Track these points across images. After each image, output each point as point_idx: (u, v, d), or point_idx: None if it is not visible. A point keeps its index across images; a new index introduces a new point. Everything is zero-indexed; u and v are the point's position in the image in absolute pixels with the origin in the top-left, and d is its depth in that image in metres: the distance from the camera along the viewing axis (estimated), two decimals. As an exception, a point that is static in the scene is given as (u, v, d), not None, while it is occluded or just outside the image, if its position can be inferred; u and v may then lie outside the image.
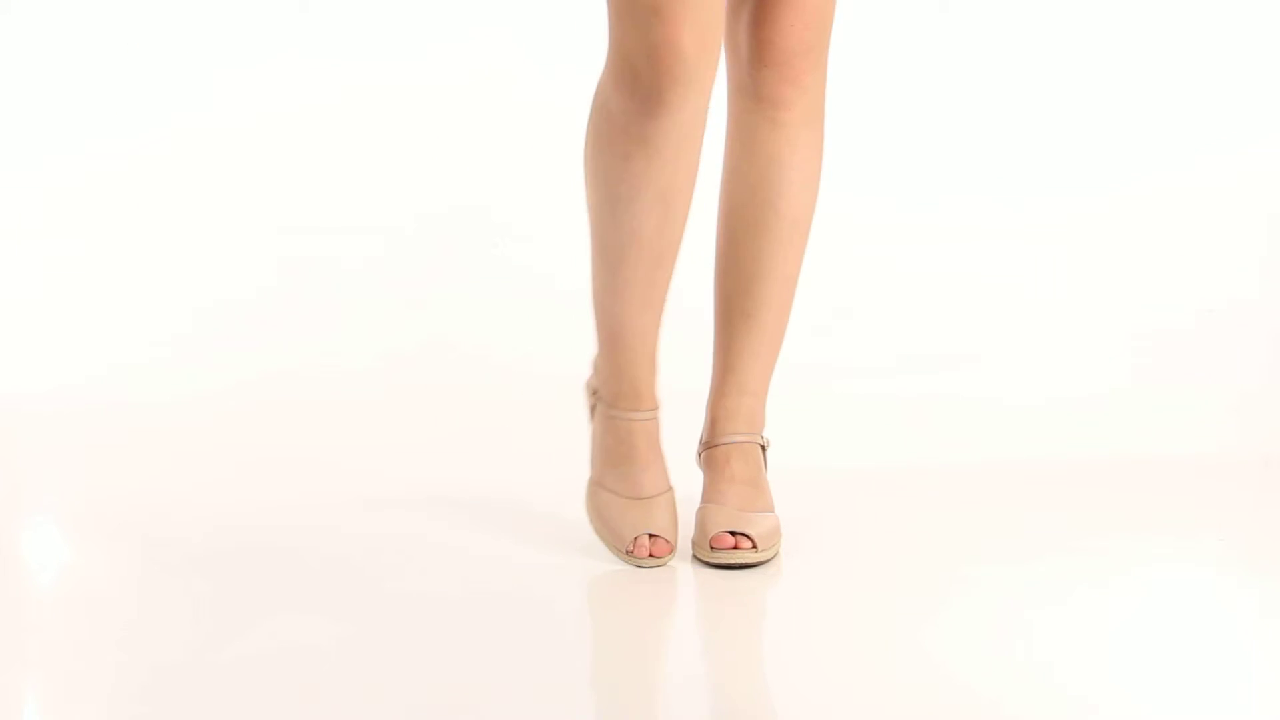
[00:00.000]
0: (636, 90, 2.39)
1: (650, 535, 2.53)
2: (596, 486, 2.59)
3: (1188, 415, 3.27)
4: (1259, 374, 3.46)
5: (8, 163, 3.87)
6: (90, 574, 2.53)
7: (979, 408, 3.30)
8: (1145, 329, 3.60)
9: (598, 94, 2.47)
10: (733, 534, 2.53)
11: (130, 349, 3.57)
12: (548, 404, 3.06)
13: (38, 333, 3.63)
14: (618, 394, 2.59)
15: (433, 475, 2.94)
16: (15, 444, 3.20)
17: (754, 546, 2.52)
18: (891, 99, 3.96)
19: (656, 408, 2.61)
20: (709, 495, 2.59)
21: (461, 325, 3.62)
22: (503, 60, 3.95)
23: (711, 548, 2.52)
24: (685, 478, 2.64)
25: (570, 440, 2.79)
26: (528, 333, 3.54)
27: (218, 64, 3.94)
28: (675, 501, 2.58)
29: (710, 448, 2.63)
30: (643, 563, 2.51)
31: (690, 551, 2.55)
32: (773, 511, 2.58)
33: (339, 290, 3.74)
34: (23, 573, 2.55)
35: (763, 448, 2.64)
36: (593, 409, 2.65)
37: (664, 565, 2.51)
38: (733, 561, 2.51)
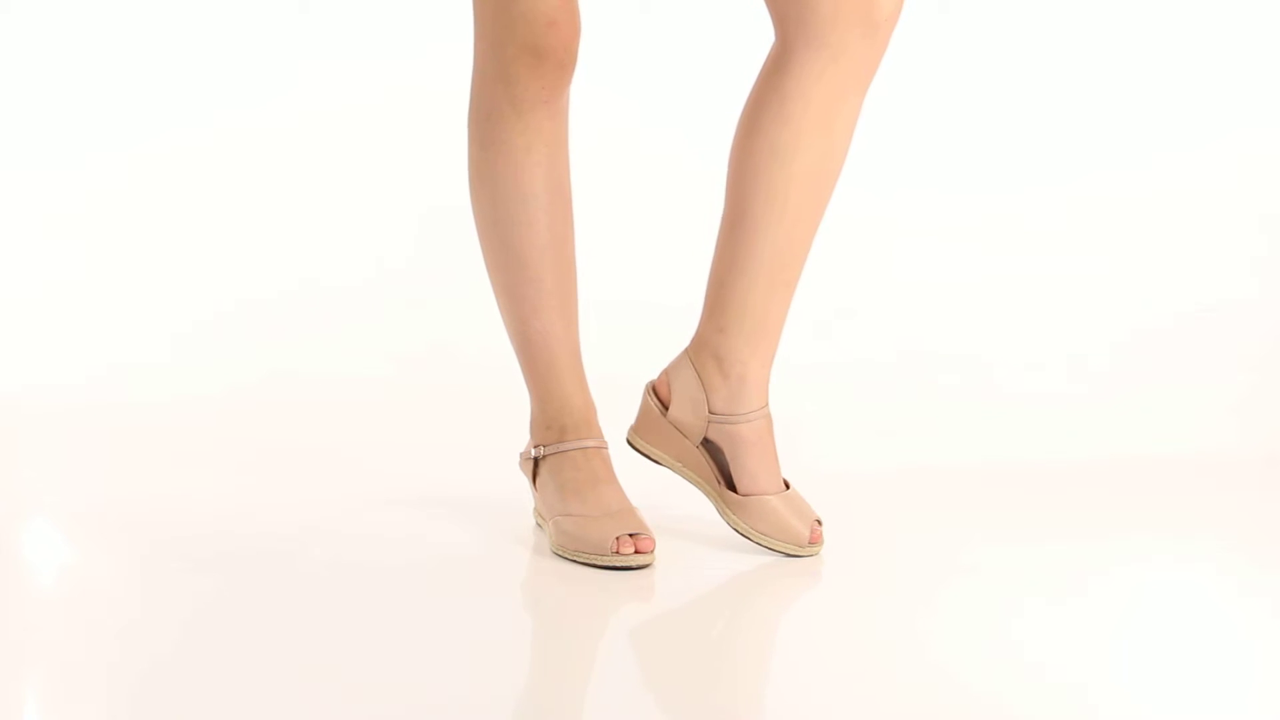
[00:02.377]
0: (541, 71, 2.49)
1: (630, 535, 2.49)
2: (559, 519, 2.54)
3: (1188, 415, 3.27)
4: (1259, 374, 3.46)
5: (9, 163, 3.87)
6: (90, 574, 2.53)
7: (979, 408, 3.31)
8: (1145, 328, 3.60)
9: (480, 103, 2.54)
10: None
11: (131, 349, 3.57)
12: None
13: (38, 333, 3.63)
14: (565, 427, 2.58)
15: (434, 476, 2.94)
16: (15, 444, 3.20)
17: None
18: (891, 99, 3.96)
19: (604, 438, 2.60)
20: (767, 478, 2.57)
21: (463, 326, 3.62)
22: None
23: (811, 542, 2.56)
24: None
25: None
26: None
27: (219, 65, 3.94)
28: None
29: (749, 421, 2.59)
30: (630, 560, 2.47)
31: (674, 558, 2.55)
32: None
33: (340, 291, 3.74)
34: (23, 572, 2.55)
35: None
36: (535, 476, 2.61)
37: (650, 564, 2.49)
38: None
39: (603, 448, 2.59)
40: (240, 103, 3.92)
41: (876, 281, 3.75)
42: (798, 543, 2.55)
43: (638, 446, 2.64)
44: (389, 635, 2.23)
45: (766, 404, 2.57)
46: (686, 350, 2.61)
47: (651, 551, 2.49)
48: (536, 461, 2.59)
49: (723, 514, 2.58)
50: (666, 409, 2.61)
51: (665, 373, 2.62)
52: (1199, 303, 3.66)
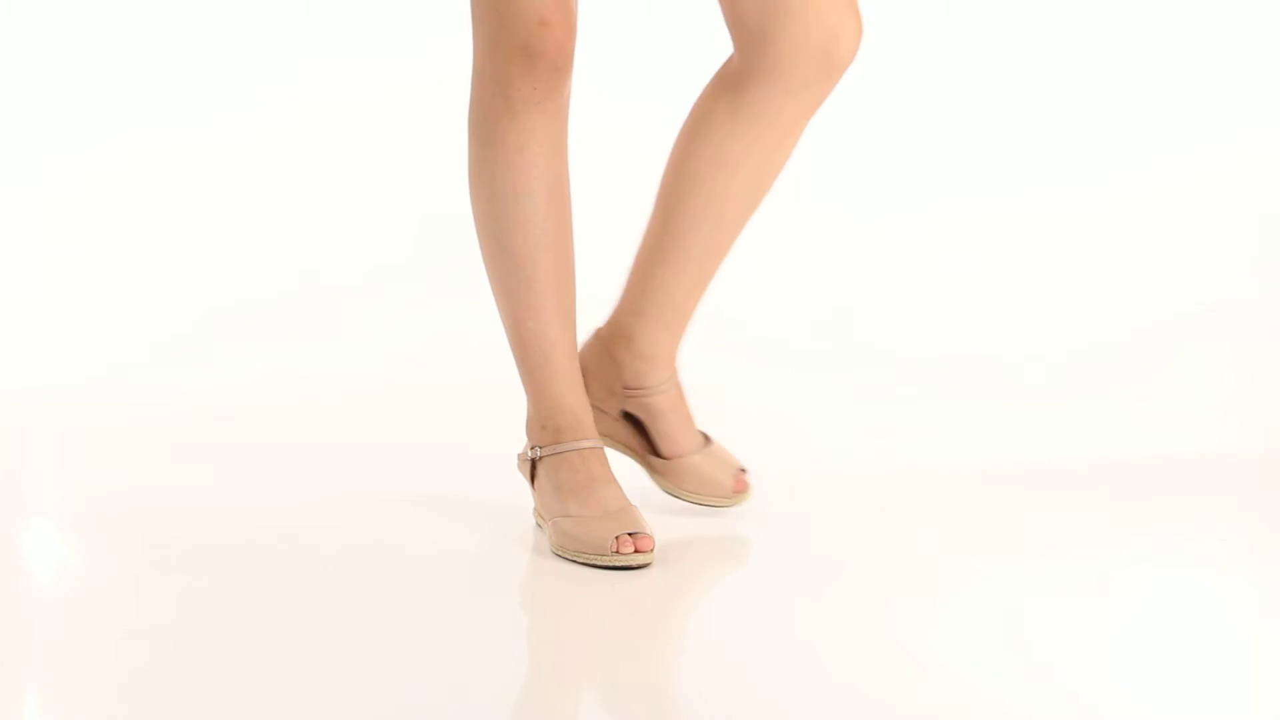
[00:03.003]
0: (534, 73, 2.51)
1: (629, 534, 2.50)
2: (559, 520, 2.55)
3: (1188, 415, 3.27)
4: (1259, 373, 3.46)
5: (9, 163, 3.87)
6: (90, 573, 2.53)
7: (978, 407, 3.30)
8: (1145, 328, 3.60)
9: (478, 103, 2.56)
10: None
11: (131, 349, 3.57)
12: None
13: (38, 332, 3.63)
14: (560, 428, 2.58)
15: (434, 477, 2.94)
16: (15, 443, 3.20)
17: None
18: (891, 100, 3.96)
19: (599, 438, 2.61)
20: (686, 439, 2.69)
21: (462, 325, 3.62)
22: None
23: (736, 492, 2.68)
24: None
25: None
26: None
27: (220, 65, 3.94)
28: None
29: (661, 392, 2.67)
30: (630, 560, 2.48)
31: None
32: None
33: (341, 291, 3.74)
34: (22, 572, 2.55)
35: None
36: (533, 478, 2.61)
37: (650, 564, 2.49)
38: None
39: (599, 448, 2.59)
40: (240, 103, 3.92)
41: (876, 281, 3.75)
42: (722, 494, 2.69)
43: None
44: (388, 635, 2.23)
45: (675, 372, 2.69)
46: (598, 332, 2.72)
47: (651, 550, 2.49)
48: (534, 463, 2.60)
49: (654, 480, 2.70)
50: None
51: (578, 357, 2.67)
52: (1199, 303, 3.66)
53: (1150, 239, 3.79)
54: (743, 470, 2.70)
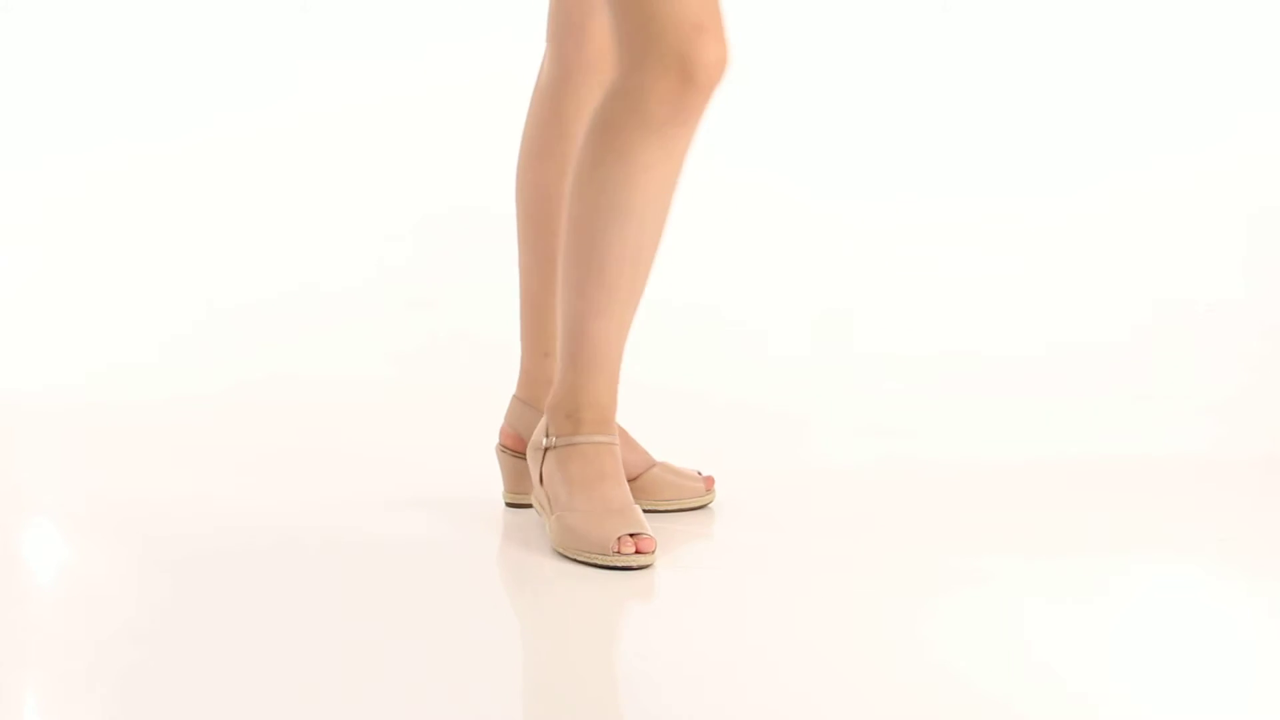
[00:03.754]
0: (687, 95, 2.42)
1: (631, 535, 2.49)
2: (564, 514, 2.54)
3: (1187, 415, 3.27)
4: (1258, 373, 3.46)
5: (9, 163, 3.87)
6: (88, 573, 2.53)
7: (977, 407, 3.30)
8: (1144, 328, 3.60)
9: (611, 112, 2.46)
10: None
11: (131, 349, 3.57)
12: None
13: (38, 332, 3.63)
14: (583, 420, 2.58)
15: (434, 477, 2.94)
16: (15, 443, 3.20)
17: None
18: (890, 99, 3.96)
19: (615, 437, 2.61)
20: (639, 457, 2.74)
21: (462, 325, 3.62)
22: (506, 60, 3.95)
23: (708, 489, 2.75)
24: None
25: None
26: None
27: (220, 65, 3.94)
28: None
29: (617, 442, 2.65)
30: (631, 560, 2.47)
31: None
32: None
33: (341, 291, 3.74)
34: (22, 572, 2.55)
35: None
36: (542, 465, 2.62)
37: (650, 565, 2.49)
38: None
39: (614, 444, 2.59)
40: (244, 103, 3.92)
41: (875, 281, 3.75)
42: (699, 494, 2.73)
43: (518, 502, 2.73)
44: (388, 635, 2.23)
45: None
46: (515, 396, 2.74)
47: (652, 552, 2.49)
48: (545, 451, 2.60)
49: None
50: (523, 456, 2.69)
51: (507, 425, 2.73)
52: (1200, 303, 3.66)
53: (1150, 239, 3.79)
54: (699, 473, 2.76)
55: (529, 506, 2.73)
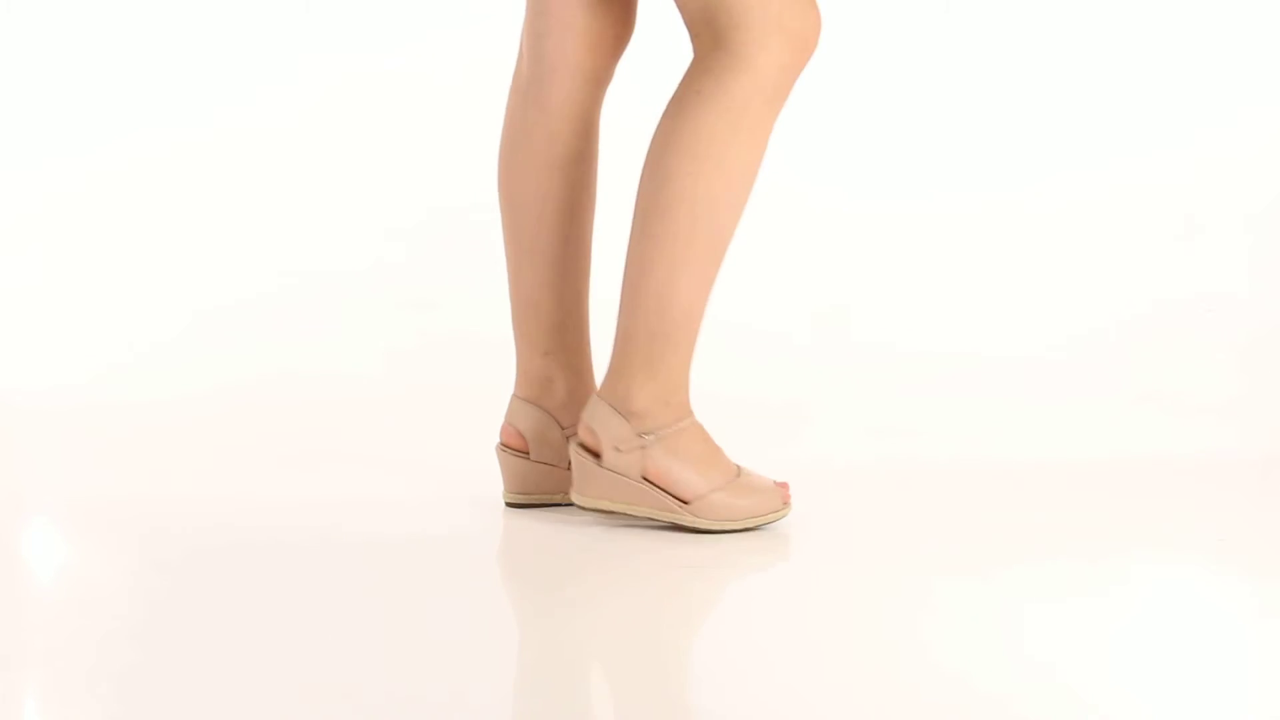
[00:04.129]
0: (802, 65, 2.54)
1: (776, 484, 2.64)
2: (712, 494, 2.59)
3: (1187, 415, 3.27)
4: (1258, 373, 3.46)
5: (7, 162, 3.87)
6: (88, 573, 2.53)
7: (977, 407, 3.30)
8: (1145, 328, 3.60)
9: (763, 88, 2.53)
10: None
11: (129, 348, 3.57)
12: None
13: (38, 331, 3.63)
14: (684, 401, 2.61)
15: (433, 477, 2.94)
16: (14, 442, 3.20)
17: None
18: (890, 98, 3.96)
19: None
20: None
21: (461, 324, 3.62)
22: (504, 59, 3.95)
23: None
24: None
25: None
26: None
27: (218, 63, 3.94)
28: None
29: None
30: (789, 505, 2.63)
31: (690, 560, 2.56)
32: None
33: (340, 290, 3.75)
34: (21, 571, 2.55)
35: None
36: (639, 457, 2.62)
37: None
38: None
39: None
40: (242, 101, 3.93)
41: (876, 279, 3.75)
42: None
43: (519, 501, 2.71)
44: (387, 635, 2.23)
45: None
46: (516, 395, 2.73)
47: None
48: (643, 449, 2.60)
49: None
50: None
51: (509, 423, 2.71)
52: (1201, 304, 3.66)
53: (1151, 238, 3.79)
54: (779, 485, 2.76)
55: (530, 507, 2.72)
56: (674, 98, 2.57)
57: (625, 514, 2.63)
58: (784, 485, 2.68)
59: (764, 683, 2.11)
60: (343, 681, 2.07)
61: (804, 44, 2.54)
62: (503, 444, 2.74)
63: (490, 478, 2.82)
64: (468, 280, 3.73)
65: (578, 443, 2.63)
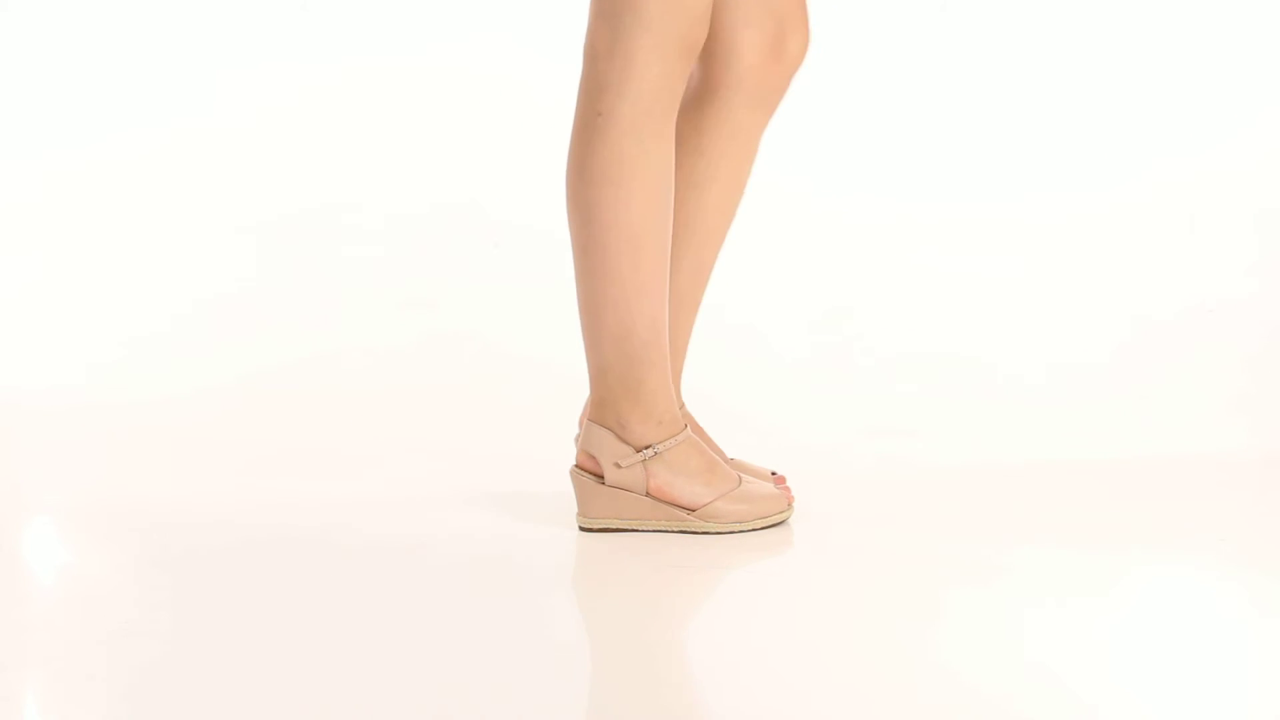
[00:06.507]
0: (686, 66, 2.54)
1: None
2: (718, 502, 2.60)
3: (1188, 415, 3.27)
4: (1259, 374, 3.46)
5: (3, 160, 3.87)
6: (87, 572, 2.53)
7: (977, 407, 3.30)
8: (1145, 328, 3.60)
9: (649, 100, 2.53)
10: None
11: (129, 346, 3.57)
12: (549, 401, 3.06)
13: (37, 330, 3.63)
14: (675, 418, 2.61)
15: (431, 476, 2.94)
16: (13, 442, 3.20)
17: None
18: (891, 99, 3.96)
19: None
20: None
21: (462, 323, 3.62)
22: (502, 57, 3.95)
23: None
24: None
25: (564, 440, 2.79)
26: (529, 331, 3.55)
27: (216, 61, 3.94)
28: None
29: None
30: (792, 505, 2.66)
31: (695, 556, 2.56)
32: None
33: (339, 288, 3.74)
34: (20, 571, 2.55)
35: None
36: (641, 471, 2.62)
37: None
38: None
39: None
40: (241, 99, 3.93)
41: (876, 280, 3.75)
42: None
43: (594, 526, 2.65)
44: (386, 635, 2.23)
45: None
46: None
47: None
48: (644, 464, 2.60)
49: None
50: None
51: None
52: (1201, 304, 3.66)
53: (1152, 239, 3.79)
54: (773, 473, 2.76)
55: (607, 531, 2.67)
56: (575, 123, 2.57)
57: (633, 530, 2.63)
58: (781, 480, 2.68)
59: (763, 682, 2.11)
60: (342, 681, 2.07)
61: (681, 45, 2.51)
62: (577, 466, 2.66)
63: (490, 477, 2.81)
64: (468, 280, 3.73)
65: (578, 466, 2.64)
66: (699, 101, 2.64)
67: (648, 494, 2.61)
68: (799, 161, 3.82)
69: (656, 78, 2.51)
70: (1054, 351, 3.55)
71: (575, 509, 2.67)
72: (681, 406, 2.70)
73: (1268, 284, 3.72)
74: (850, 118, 3.92)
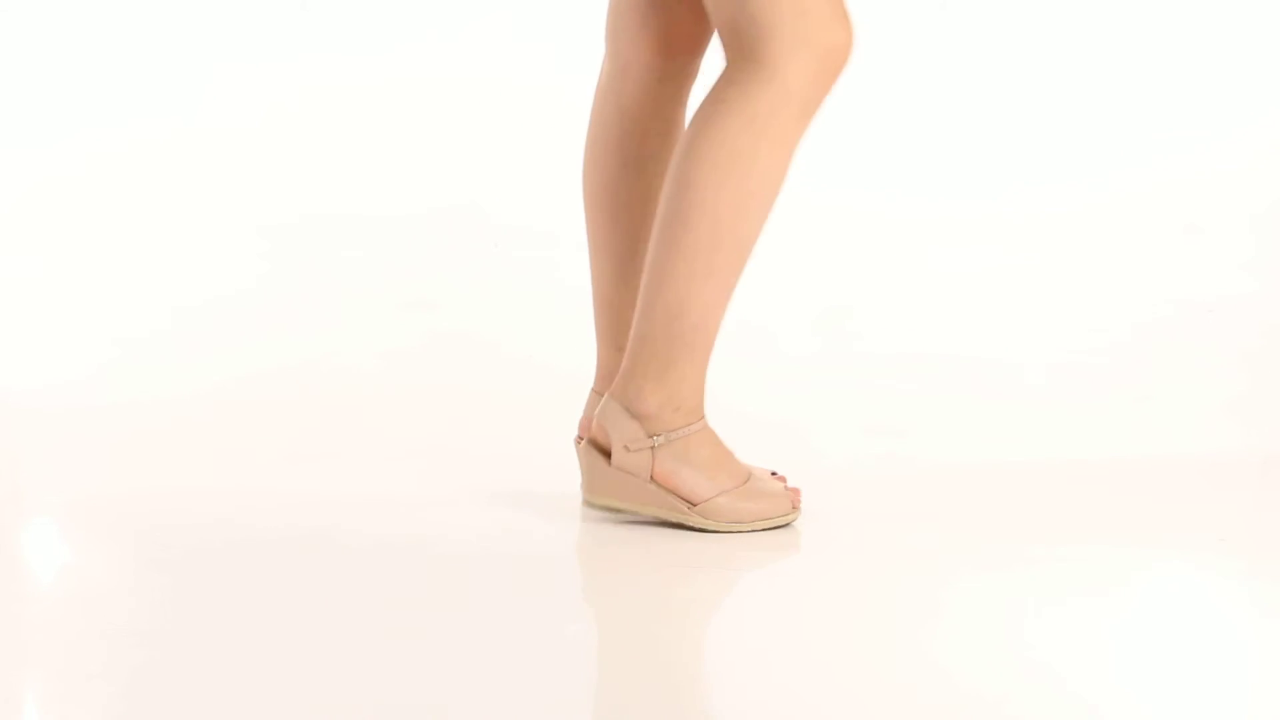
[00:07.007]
0: (835, 78, 2.54)
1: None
2: (719, 498, 2.59)
3: (1188, 415, 3.26)
4: (1259, 374, 3.46)
5: (3, 160, 3.87)
6: (86, 572, 2.53)
7: (977, 407, 3.30)
8: (1145, 328, 3.60)
9: (789, 102, 2.52)
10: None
11: (129, 345, 3.56)
12: (549, 401, 3.06)
13: (36, 330, 3.63)
14: (696, 406, 2.61)
15: (429, 476, 2.94)
16: (11, 441, 3.20)
17: None
18: (891, 98, 3.96)
19: None
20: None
21: (462, 324, 3.62)
22: (502, 57, 3.95)
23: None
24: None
25: (565, 439, 2.78)
26: (529, 331, 3.55)
27: (216, 61, 3.94)
28: None
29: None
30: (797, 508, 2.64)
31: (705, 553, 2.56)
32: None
33: (340, 288, 3.74)
34: (19, 571, 2.55)
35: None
36: (647, 457, 2.61)
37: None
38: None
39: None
40: (241, 98, 3.93)
41: (877, 279, 3.75)
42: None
43: (595, 503, 2.64)
44: (386, 635, 2.23)
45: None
46: (594, 390, 2.68)
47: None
48: (653, 450, 2.60)
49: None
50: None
51: (597, 419, 2.63)
52: (1201, 304, 3.66)
53: (1152, 238, 3.79)
54: (773, 473, 2.74)
55: (608, 510, 2.67)
56: (701, 107, 2.56)
57: (633, 514, 2.62)
58: (795, 491, 2.67)
59: (764, 682, 2.11)
60: (343, 681, 2.07)
61: (833, 59, 2.53)
62: (590, 439, 2.67)
63: (490, 477, 2.81)
64: (469, 279, 3.73)
65: (589, 440, 2.63)
66: (615, 82, 2.67)
67: (651, 479, 2.61)
68: (798, 160, 3.82)
69: (800, 85, 2.52)
70: (1054, 351, 3.54)
71: (576, 509, 2.67)
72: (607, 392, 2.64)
73: (1267, 283, 3.72)
74: (850, 116, 3.91)
